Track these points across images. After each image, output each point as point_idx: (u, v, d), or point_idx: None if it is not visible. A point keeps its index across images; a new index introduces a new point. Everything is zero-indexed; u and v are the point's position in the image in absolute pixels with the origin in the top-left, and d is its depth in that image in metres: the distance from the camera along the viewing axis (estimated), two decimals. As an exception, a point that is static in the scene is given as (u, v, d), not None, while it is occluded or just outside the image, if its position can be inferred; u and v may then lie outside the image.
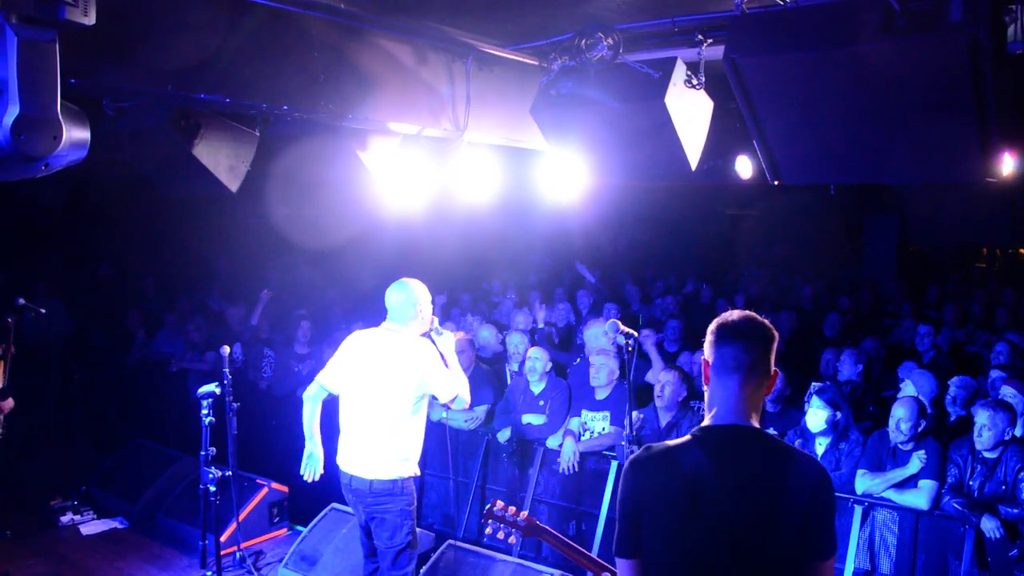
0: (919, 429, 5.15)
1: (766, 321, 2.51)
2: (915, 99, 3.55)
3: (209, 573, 6.01)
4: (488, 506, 3.46)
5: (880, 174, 4.29)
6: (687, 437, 2.46)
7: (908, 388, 6.06)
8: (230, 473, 5.81)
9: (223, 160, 5.72)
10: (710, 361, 2.51)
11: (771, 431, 5.70)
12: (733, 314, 2.52)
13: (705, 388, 2.53)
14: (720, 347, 2.48)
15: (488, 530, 3.44)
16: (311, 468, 4.91)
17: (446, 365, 4.74)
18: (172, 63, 3.76)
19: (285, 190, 7.95)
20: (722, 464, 2.36)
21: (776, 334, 2.51)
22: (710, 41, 4.48)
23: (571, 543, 3.55)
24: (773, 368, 2.48)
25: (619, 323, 4.89)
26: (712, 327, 2.53)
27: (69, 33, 2.87)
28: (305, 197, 8.96)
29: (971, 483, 5.00)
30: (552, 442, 6.26)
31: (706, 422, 2.49)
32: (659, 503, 2.40)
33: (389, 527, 4.58)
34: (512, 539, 3.39)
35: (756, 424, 2.45)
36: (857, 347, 7.47)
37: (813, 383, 6.05)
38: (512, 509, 3.45)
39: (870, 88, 3.58)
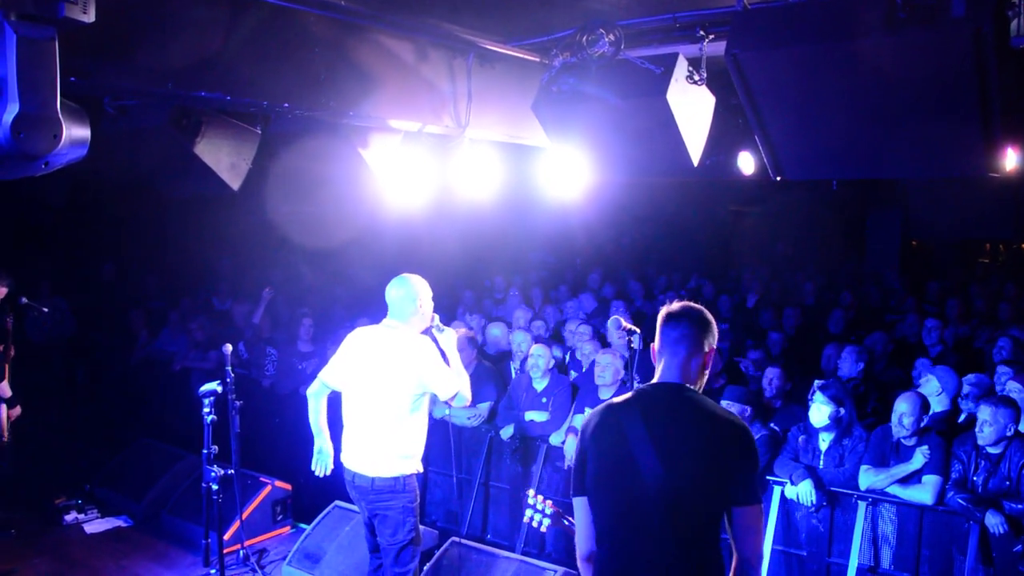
0: (922, 424, 5.15)
1: (702, 308, 2.95)
2: (917, 94, 3.53)
3: (213, 571, 6.02)
4: (524, 496, 3.78)
5: (882, 169, 4.28)
6: (629, 393, 2.93)
7: (930, 385, 6.04)
8: (232, 471, 5.81)
9: (224, 158, 5.72)
10: (657, 344, 2.96)
11: (774, 427, 5.76)
12: (675, 304, 2.98)
13: (656, 366, 2.95)
14: (662, 330, 2.94)
15: (526, 519, 3.79)
16: (322, 464, 4.93)
17: (447, 362, 4.73)
18: (173, 61, 3.76)
19: (287, 188, 7.95)
20: (653, 415, 2.78)
21: (711, 318, 2.94)
22: (712, 37, 4.47)
23: None
24: (708, 346, 2.91)
25: (621, 320, 4.89)
26: (660, 314, 2.98)
27: (69, 31, 2.86)
28: (307, 195, 8.96)
29: (975, 478, 4.99)
30: (555, 439, 6.26)
31: (651, 382, 2.94)
32: (597, 448, 2.85)
33: (392, 524, 4.58)
34: (543, 527, 3.78)
35: (689, 384, 2.87)
36: (860, 343, 7.46)
37: (816, 380, 6.06)
38: (540, 498, 3.79)
39: (872, 83, 3.57)
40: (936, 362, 6.93)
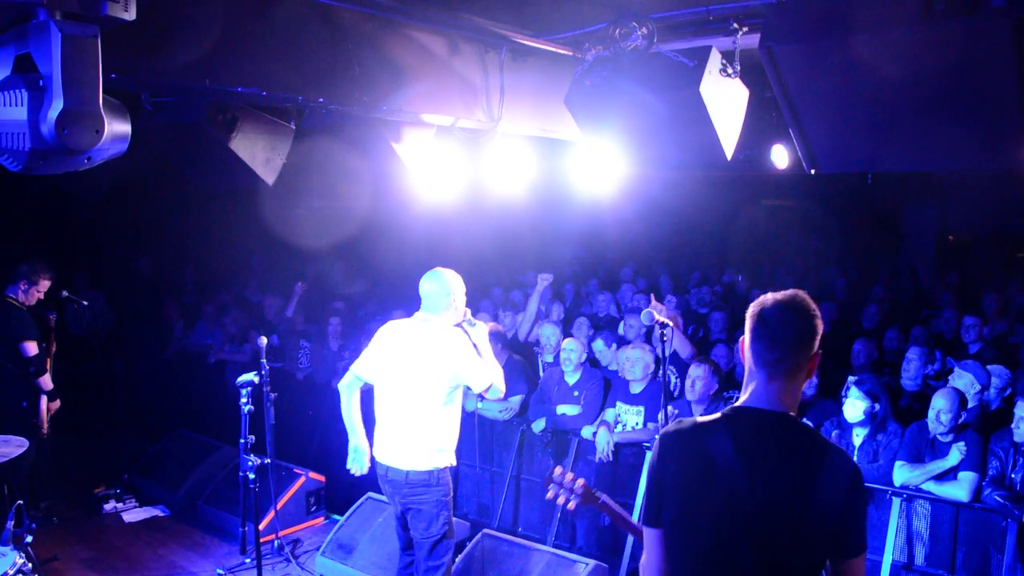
0: (959, 420, 5.09)
1: (810, 304, 2.38)
2: (955, 85, 3.49)
3: (248, 560, 6.11)
4: (550, 472, 3.48)
5: (918, 161, 4.22)
6: (717, 415, 2.42)
7: (962, 380, 5.96)
8: (269, 461, 5.89)
9: (260, 153, 5.77)
10: (748, 343, 2.43)
11: (806, 422, 5.71)
12: (776, 297, 2.39)
13: (746, 376, 2.46)
14: (759, 333, 2.38)
15: (549, 494, 3.47)
16: (357, 463, 4.92)
17: (480, 355, 4.75)
18: (209, 57, 3.81)
19: (320, 183, 8.02)
20: (746, 447, 2.31)
21: (819, 322, 2.39)
22: (745, 29, 4.44)
23: (625, 513, 3.51)
24: (816, 350, 2.39)
25: (654, 312, 4.88)
26: (753, 309, 2.42)
27: (110, 29, 2.92)
28: (340, 190, 9.03)
29: (1013, 475, 4.92)
30: (587, 432, 6.27)
31: (739, 402, 2.44)
32: (678, 477, 2.41)
33: (425, 518, 4.60)
34: (571, 504, 3.42)
35: (788, 411, 2.37)
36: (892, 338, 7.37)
37: (850, 376, 6.00)
38: (570, 476, 3.46)
39: (909, 74, 3.54)
40: (975, 359, 6.84)
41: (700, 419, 2.45)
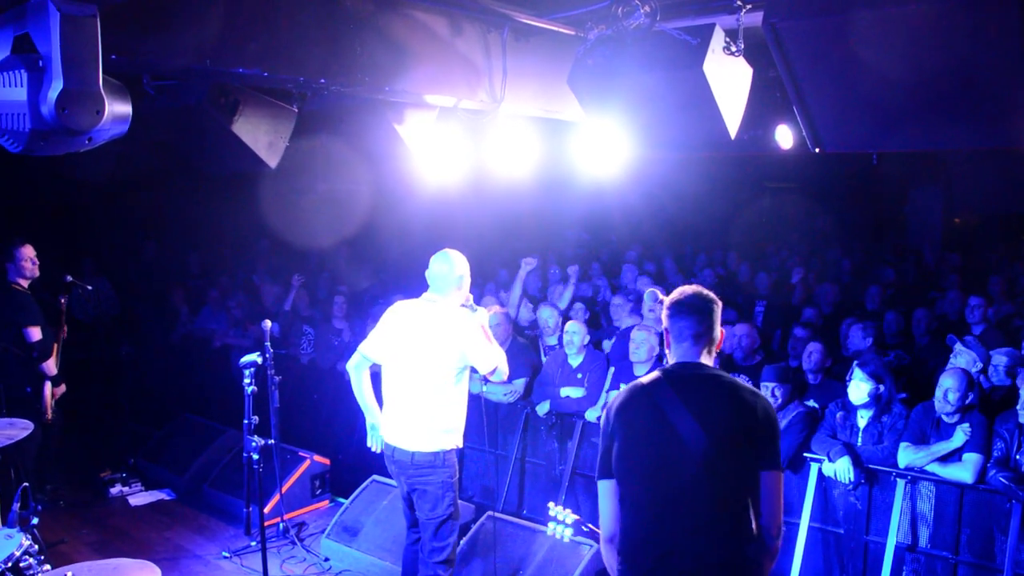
0: (966, 401, 5.07)
1: (711, 295, 3.08)
2: (963, 61, 3.44)
3: (253, 543, 6.14)
4: (547, 508, 3.95)
5: (925, 140, 4.18)
6: (655, 373, 3.02)
7: (961, 359, 5.94)
8: (272, 441, 5.90)
9: (262, 137, 5.75)
10: (668, 330, 3.08)
11: (812, 403, 5.71)
12: (685, 290, 3.09)
13: (667, 351, 3.12)
14: (675, 320, 3.06)
15: (548, 531, 4.04)
16: (375, 440, 4.92)
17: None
18: (210, 38, 3.78)
19: (323, 166, 8.01)
20: (684, 391, 2.91)
21: (719, 304, 3.10)
22: (749, 7, 4.40)
23: None
24: (720, 330, 3.08)
25: (658, 292, 4.87)
26: (667, 303, 3.12)
27: (109, 9, 2.90)
28: (343, 172, 9.02)
29: (1018, 457, 4.90)
30: (591, 415, 6.27)
31: (667, 365, 3.08)
32: (627, 425, 2.96)
33: (431, 499, 4.61)
34: (566, 538, 4.00)
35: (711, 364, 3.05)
36: (874, 321, 7.33)
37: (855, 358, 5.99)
38: (561, 508, 4.01)
39: (914, 51, 3.49)
40: (980, 340, 6.81)
41: (641, 379, 3.04)
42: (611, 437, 3.01)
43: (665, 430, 2.87)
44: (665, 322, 3.10)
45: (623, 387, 3.11)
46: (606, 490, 3.03)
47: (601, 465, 3.04)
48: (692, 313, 3.02)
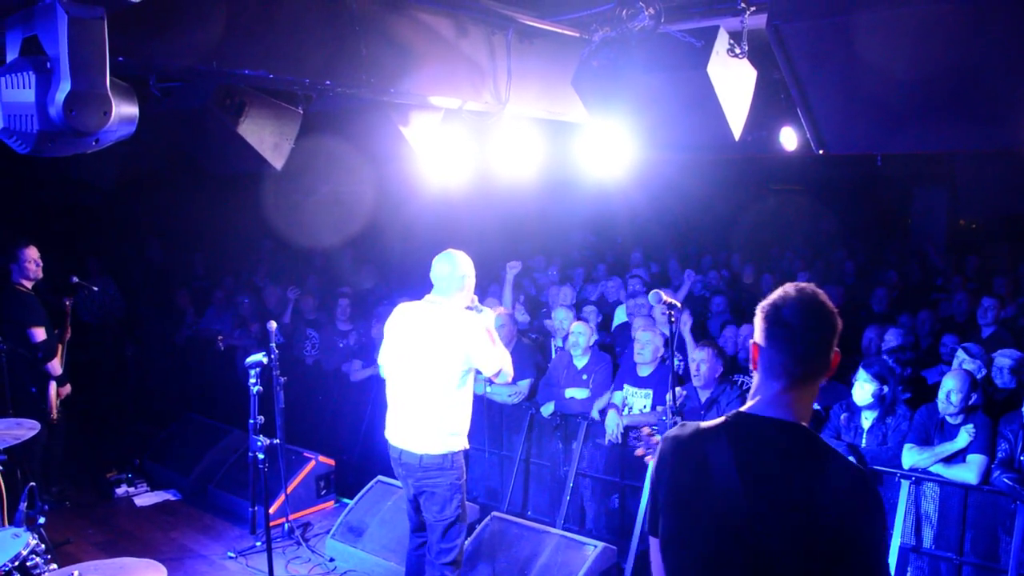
0: (969, 402, 5.07)
1: (829, 303, 2.16)
2: (967, 61, 3.44)
3: (259, 543, 6.17)
4: (636, 434, 3.58)
5: (930, 141, 4.17)
6: (719, 420, 2.22)
7: (966, 364, 5.94)
8: (278, 441, 5.92)
9: (268, 138, 5.78)
10: (760, 345, 2.19)
11: (816, 405, 5.71)
12: (790, 296, 2.15)
13: (753, 372, 2.24)
14: (777, 337, 2.14)
15: (640, 451, 3.67)
16: None
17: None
18: (216, 40, 3.80)
19: (328, 168, 8.02)
20: (746, 456, 2.10)
21: (839, 323, 2.16)
22: (753, 9, 4.41)
23: None
24: (835, 354, 2.16)
25: (662, 294, 4.87)
26: (765, 307, 2.19)
27: (116, 11, 2.92)
28: (348, 174, 9.02)
29: (1022, 458, 4.91)
30: (594, 409, 6.27)
31: (745, 407, 2.22)
32: (673, 485, 2.23)
33: (439, 501, 4.61)
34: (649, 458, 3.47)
35: (802, 422, 2.14)
36: (904, 323, 7.37)
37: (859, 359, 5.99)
38: (657, 438, 3.58)
39: (919, 51, 3.50)
40: (990, 341, 6.81)
41: (702, 424, 2.25)
42: (656, 488, 2.29)
43: (704, 500, 2.14)
44: (757, 335, 2.20)
45: (680, 430, 2.30)
46: (654, 550, 2.31)
47: (648, 518, 2.34)
48: (794, 344, 2.12)
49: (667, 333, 5.43)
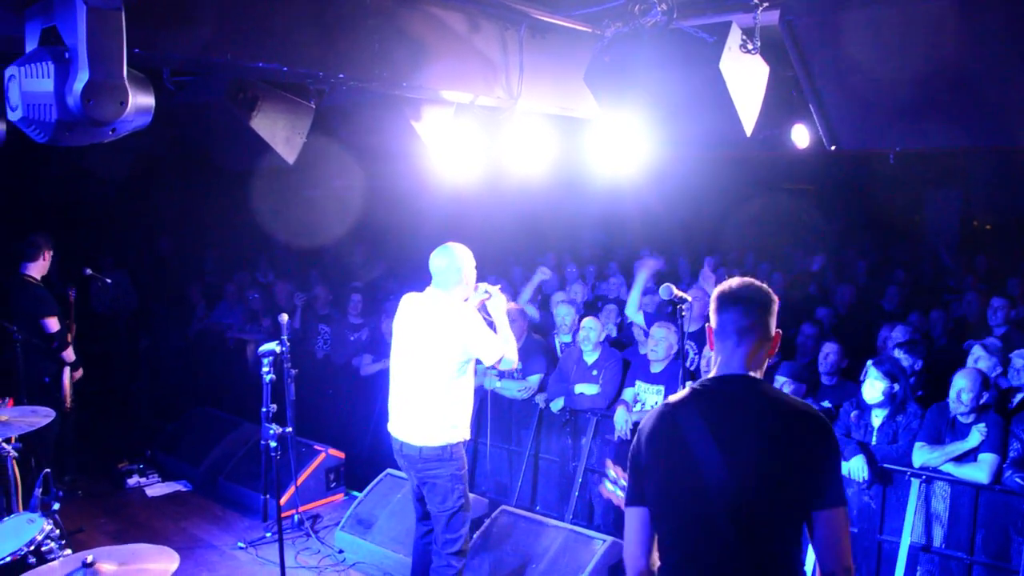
0: (981, 401, 5.05)
1: (764, 286, 2.62)
2: (980, 58, 3.45)
3: (268, 534, 6.21)
4: (605, 472, 3.45)
5: (943, 138, 4.18)
6: (686, 390, 2.61)
7: (982, 363, 5.92)
8: (290, 430, 5.96)
9: (280, 132, 5.79)
10: (713, 327, 2.63)
11: (827, 404, 5.70)
12: (733, 281, 2.65)
13: (710, 352, 2.66)
14: (720, 313, 2.61)
15: (607, 492, 3.44)
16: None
17: (494, 328, 4.79)
18: (231, 33, 3.82)
19: (340, 162, 8.05)
20: (716, 415, 2.48)
21: (775, 299, 2.61)
22: (765, 5, 4.39)
23: None
24: (775, 330, 2.61)
25: (673, 288, 4.88)
26: (713, 295, 2.65)
27: (133, 2, 2.95)
28: (359, 169, 9.05)
29: (1034, 457, 4.90)
30: (589, 390, 6.34)
31: (710, 376, 2.63)
32: (654, 456, 2.55)
33: (441, 492, 4.65)
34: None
35: (757, 376, 2.56)
36: (915, 322, 7.36)
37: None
38: (619, 469, 3.31)
39: (932, 48, 3.50)
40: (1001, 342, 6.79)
41: (671, 397, 2.63)
42: (638, 461, 2.60)
43: (687, 468, 2.46)
44: (711, 319, 2.64)
45: (654, 409, 2.64)
46: (633, 518, 2.61)
47: (629, 489, 2.64)
48: (738, 303, 2.56)
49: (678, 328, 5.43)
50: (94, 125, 2.93)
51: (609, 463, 3.47)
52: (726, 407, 2.50)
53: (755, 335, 2.56)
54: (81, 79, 2.82)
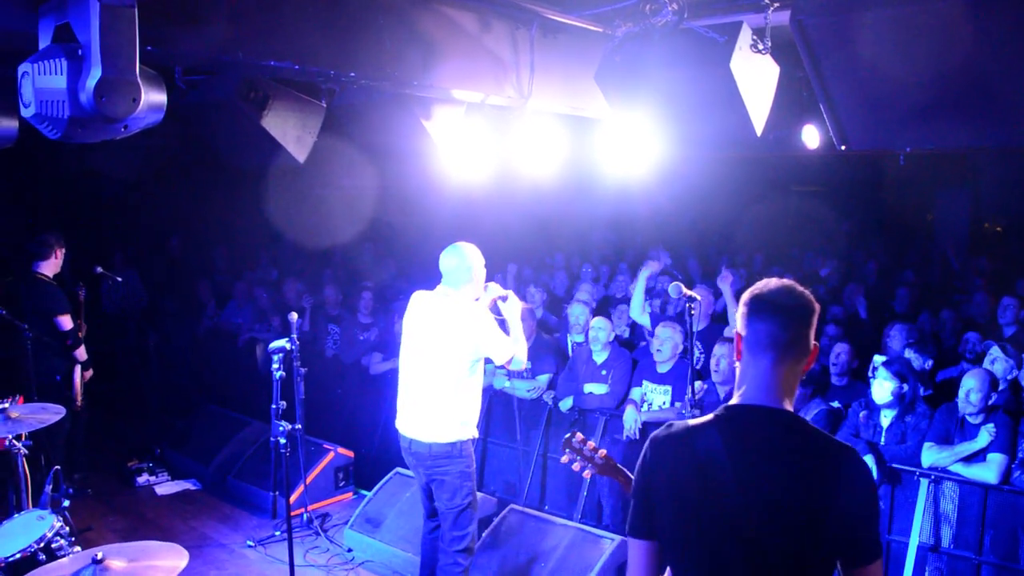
0: (989, 402, 5.04)
1: (806, 292, 2.28)
2: (990, 58, 3.44)
3: (277, 532, 6.22)
4: (567, 436, 3.30)
5: (953, 138, 4.16)
6: (709, 416, 2.27)
7: (998, 365, 5.89)
8: (299, 427, 5.97)
9: (291, 131, 5.81)
10: (743, 335, 2.29)
11: (836, 404, 5.69)
12: (770, 283, 2.30)
13: (736, 364, 2.34)
14: (754, 321, 2.26)
15: (564, 459, 3.30)
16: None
17: (506, 330, 4.80)
18: (243, 31, 3.84)
19: (351, 162, 8.08)
20: (741, 449, 2.16)
21: (817, 307, 2.28)
22: (776, 5, 4.39)
23: None
24: (813, 343, 2.27)
25: (682, 286, 4.88)
26: (745, 298, 2.31)
27: (145, 0, 2.97)
28: (370, 169, 9.07)
29: (1043, 458, 4.88)
30: (597, 389, 6.33)
31: (734, 400, 2.29)
32: (669, 487, 2.23)
33: (449, 489, 4.67)
34: (587, 473, 3.30)
35: (788, 407, 2.23)
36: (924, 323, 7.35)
37: (876, 356, 5.97)
38: (591, 444, 3.30)
39: (943, 48, 3.49)
40: (1010, 341, 6.77)
41: (692, 422, 2.29)
42: (647, 488, 2.28)
43: (704, 499, 2.16)
44: (740, 324, 2.31)
45: (669, 430, 2.32)
46: (634, 553, 2.32)
47: (634, 518, 2.32)
48: (777, 313, 2.22)
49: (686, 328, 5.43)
50: (106, 122, 2.95)
51: (578, 435, 3.36)
52: (752, 441, 2.17)
53: (794, 352, 2.23)
54: (94, 76, 2.84)
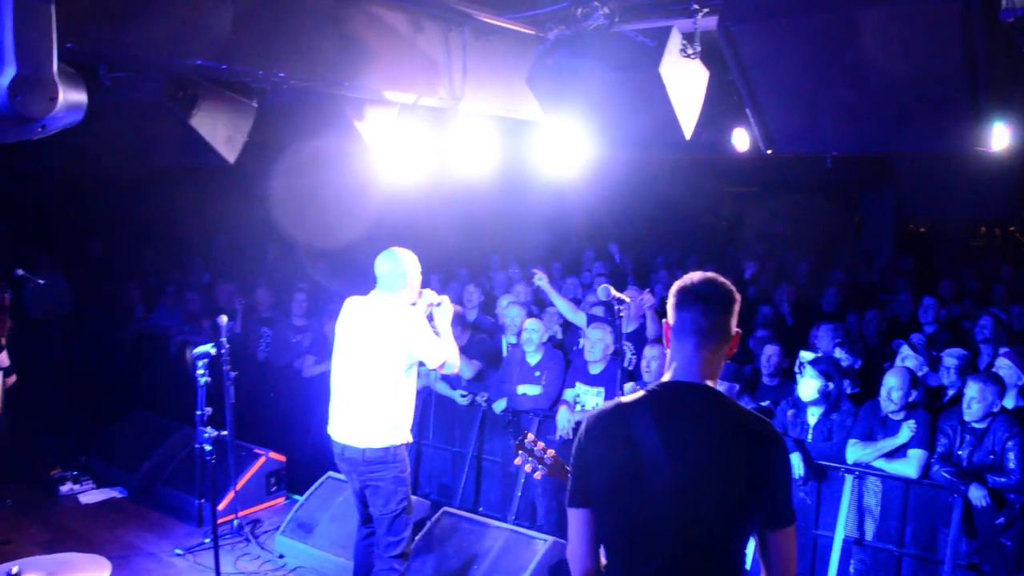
0: (910, 399, 5.21)
1: (727, 283, 2.48)
2: (907, 66, 3.55)
3: (207, 540, 6.10)
4: (521, 438, 3.37)
5: (871, 143, 4.30)
6: (640, 392, 2.46)
7: (909, 362, 6.08)
8: (226, 433, 5.86)
9: (221, 131, 5.70)
10: (671, 323, 2.50)
11: (766, 403, 5.81)
12: (694, 276, 2.50)
13: (667, 351, 2.54)
14: (679, 310, 2.46)
15: (518, 460, 3.35)
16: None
17: (437, 333, 4.79)
18: (169, 30, 3.76)
19: (282, 163, 7.93)
20: (669, 421, 2.35)
21: (738, 296, 2.48)
22: (706, 11, 4.47)
23: None
24: (735, 330, 2.48)
25: (611, 288, 4.93)
26: (672, 289, 2.51)
27: (65, -4, 2.89)
28: (302, 170, 8.93)
29: (960, 452, 5.06)
30: (532, 391, 6.38)
31: (664, 379, 2.49)
32: (602, 458, 2.41)
33: (383, 494, 4.64)
34: (538, 474, 3.31)
35: (713, 384, 2.44)
36: (852, 322, 7.56)
37: (801, 352, 6.11)
38: (541, 444, 3.37)
39: (862, 54, 3.59)
40: (929, 340, 7.01)
41: (623, 398, 2.49)
42: (584, 460, 2.46)
43: (635, 475, 2.34)
44: (669, 314, 2.51)
45: (603, 406, 2.53)
46: (576, 520, 2.49)
47: (573, 489, 2.51)
48: (699, 301, 2.42)
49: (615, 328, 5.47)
50: (22, 121, 2.87)
51: (530, 435, 3.40)
52: (680, 414, 2.37)
53: (715, 336, 2.42)
54: (8, 74, 2.75)
